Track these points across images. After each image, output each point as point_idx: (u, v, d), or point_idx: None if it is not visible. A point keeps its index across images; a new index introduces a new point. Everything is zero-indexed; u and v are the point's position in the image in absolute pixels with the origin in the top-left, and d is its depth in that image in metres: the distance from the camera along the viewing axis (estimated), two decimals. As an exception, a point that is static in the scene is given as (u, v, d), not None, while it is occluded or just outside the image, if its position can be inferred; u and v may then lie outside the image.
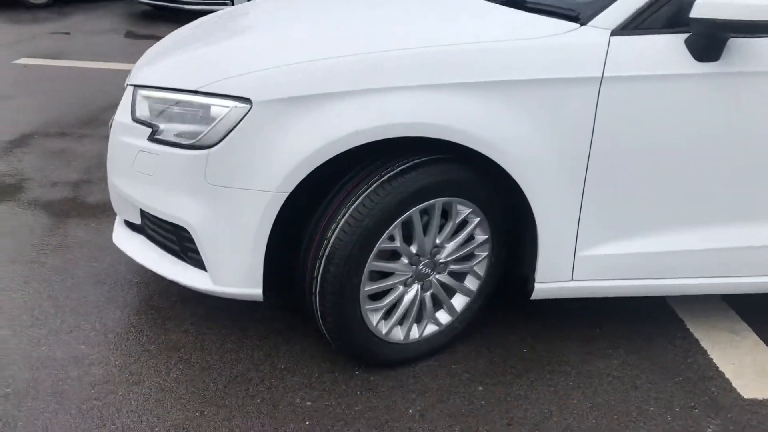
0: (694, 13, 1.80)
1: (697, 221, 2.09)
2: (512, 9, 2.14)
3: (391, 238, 1.92)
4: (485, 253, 2.11)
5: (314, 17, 2.26)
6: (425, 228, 1.97)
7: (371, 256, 1.89)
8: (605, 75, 1.87)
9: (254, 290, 1.97)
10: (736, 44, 1.91)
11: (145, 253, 2.17)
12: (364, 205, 1.84)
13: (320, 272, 1.88)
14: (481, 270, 2.14)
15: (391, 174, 1.87)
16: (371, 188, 1.85)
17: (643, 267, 2.13)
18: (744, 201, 2.08)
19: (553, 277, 2.09)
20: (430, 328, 2.15)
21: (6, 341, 2.14)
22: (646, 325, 2.40)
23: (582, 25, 1.92)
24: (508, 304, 2.40)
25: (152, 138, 1.96)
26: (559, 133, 1.90)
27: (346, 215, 1.85)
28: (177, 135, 1.93)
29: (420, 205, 1.90)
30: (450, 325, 2.18)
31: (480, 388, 2.05)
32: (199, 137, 1.88)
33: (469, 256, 2.12)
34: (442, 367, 2.14)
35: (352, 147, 1.82)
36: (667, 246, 2.10)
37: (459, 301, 2.17)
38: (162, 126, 1.95)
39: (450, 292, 2.15)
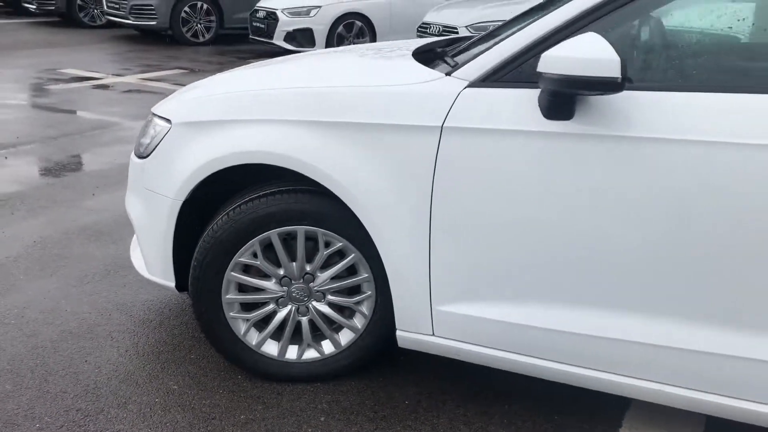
0: (540, 66, 1.68)
1: (576, 300, 1.86)
2: (416, 60, 2.17)
3: (256, 256, 2.12)
4: (370, 292, 2.15)
5: (288, 63, 2.54)
6: (297, 253, 2.12)
7: (229, 266, 2.11)
8: (446, 125, 1.84)
9: (169, 283, 2.33)
10: (594, 103, 1.71)
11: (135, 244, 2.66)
12: (222, 220, 2.09)
13: (190, 274, 2.17)
14: (366, 308, 2.18)
15: (253, 196, 2.08)
16: (233, 206, 2.09)
17: (517, 340, 1.95)
18: (612, 285, 1.80)
19: (414, 327, 2.05)
20: (311, 354, 2.25)
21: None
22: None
23: (447, 75, 1.91)
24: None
25: (135, 151, 2.46)
26: (401, 180, 1.91)
27: (210, 227, 2.12)
28: (142, 147, 2.39)
29: (278, 229, 2.07)
30: (333, 357, 2.25)
31: (322, 418, 2.10)
32: (144, 148, 2.33)
33: (354, 292, 2.18)
34: (312, 393, 2.22)
35: (222, 168, 2.09)
36: (544, 322, 1.90)
37: (346, 336, 2.24)
38: (140, 140, 2.44)
39: (337, 323, 2.23)
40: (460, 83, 1.86)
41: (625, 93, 1.70)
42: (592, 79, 1.58)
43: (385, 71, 2.06)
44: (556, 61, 1.62)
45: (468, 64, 1.89)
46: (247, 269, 2.17)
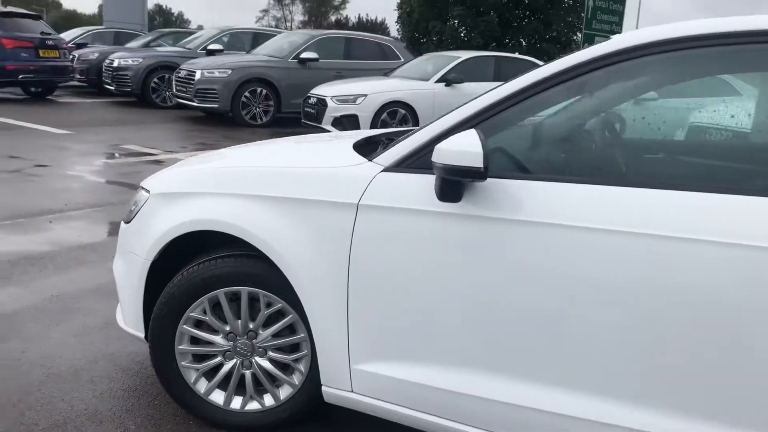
0: (433, 156, 1.96)
1: (474, 364, 2.05)
2: (354, 148, 2.47)
3: (206, 312, 2.40)
4: (306, 351, 2.39)
5: (253, 146, 2.89)
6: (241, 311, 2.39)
7: (181, 320, 2.40)
8: (361, 203, 2.12)
9: (140, 333, 2.63)
10: (479, 188, 1.96)
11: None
12: (178, 279, 2.39)
13: (149, 326, 2.47)
14: (303, 366, 2.41)
15: (205, 259, 2.39)
16: (188, 267, 2.40)
17: (432, 401, 2.13)
18: (501, 351, 1.99)
19: (336, 383, 2.27)
20: (253, 405, 2.48)
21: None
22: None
23: (369, 161, 2.20)
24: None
25: (124, 217, 2.82)
26: (325, 249, 2.18)
27: (168, 285, 2.42)
28: (128, 214, 2.75)
29: (224, 289, 2.35)
30: (273, 409, 2.47)
31: (252, 463, 2.31)
32: (129, 215, 2.68)
33: (293, 350, 2.42)
34: (251, 441, 2.44)
35: (181, 234, 2.41)
36: (458, 386, 2.07)
37: (285, 391, 2.46)
38: (130, 208, 2.80)
39: (276, 380, 2.46)
40: (377, 168, 2.15)
41: (502, 181, 1.95)
42: (463, 168, 1.84)
43: (320, 155, 2.38)
44: (442, 152, 1.90)
45: (386, 151, 2.18)
46: (200, 324, 2.45)
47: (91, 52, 15.23)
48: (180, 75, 11.77)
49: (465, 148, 1.84)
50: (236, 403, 2.49)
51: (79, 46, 16.51)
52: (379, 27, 56.55)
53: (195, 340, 2.47)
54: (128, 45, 16.22)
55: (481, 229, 1.95)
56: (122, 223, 2.74)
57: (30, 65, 12.46)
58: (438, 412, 2.14)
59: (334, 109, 9.72)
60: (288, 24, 70.29)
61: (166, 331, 2.42)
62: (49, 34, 13.15)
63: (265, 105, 11.46)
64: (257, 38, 14.26)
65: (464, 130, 1.98)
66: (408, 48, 13.94)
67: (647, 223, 1.76)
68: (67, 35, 17.62)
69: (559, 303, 1.86)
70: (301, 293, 2.23)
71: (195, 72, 11.32)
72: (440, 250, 2.01)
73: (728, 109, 2.00)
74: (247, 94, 11.25)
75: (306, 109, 10.31)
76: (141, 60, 13.19)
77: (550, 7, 27.36)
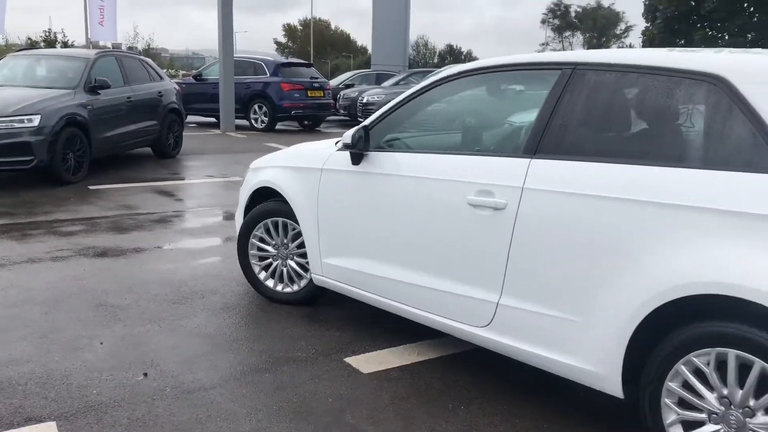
0: (342, 140, 3.69)
1: (392, 260, 3.59)
2: (333, 141, 4.18)
3: (263, 232, 4.33)
4: (312, 258, 4.18)
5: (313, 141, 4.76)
6: (279, 232, 4.28)
7: (251, 235, 4.35)
8: (323, 167, 3.88)
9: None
10: (372, 156, 3.60)
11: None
12: (249, 213, 4.36)
13: (237, 240, 4.46)
14: (311, 266, 4.21)
15: (264, 202, 4.32)
16: (257, 206, 4.35)
17: (364, 281, 3.75)
18: (403, 253, 3.52)
19: (316, 271, 4.02)
20: (287, 289, 4.33)
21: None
22: None
23: (336, 145, 3.96)
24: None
25: (249, 184, 4.89)
26: (309, 195, 3.96)
27: (245, 216, 4.40)
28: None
29: (269, 219, 4.26)
30: (297, 291, 4.29)
31: (337, 334, 4.16)
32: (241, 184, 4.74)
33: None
34: (295, 309, 4.29)
35: (255, 189, 4.38)
36: (379, 272, 3.67)
37: (304, 281, 4.27)
38: (251, 180, 4.85)
39: (299, 274, 4.28)
40: (334, 149, 3.90)
41: (381, 153, 3.57)
42: (346, 143, 3.54)
43: (318, 145, 4.19)
44: (343, 137, 3.61)
45: (340, 141, 3.91)
46: (262, 240, 4.38)
47: (353, 91, 18.39)
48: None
49: (347, 134, 3.54)
50: (279, 287, 4.36)
51: (347, 86, 19.86)
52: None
53: (259, 248, 4.40)
54: (383, 84, 19.15)
55: (367, 178, 3.60)
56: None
57: (300, 103, 15.79)
58: (365, 287, 3.76)
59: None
60: (567, 57, 70.51)
61: (244, 242, 4.39)
62: (317, 78, 16.45)
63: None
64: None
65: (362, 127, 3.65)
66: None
67: (423, 171, 3.30)
68: (341, 78, 21.20)
69: (398, 219, 3.44)
70: (300, 220, 4.04)
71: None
72: (353, 191, 3.69)
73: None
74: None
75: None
76: (384, 96, 15.84)
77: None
